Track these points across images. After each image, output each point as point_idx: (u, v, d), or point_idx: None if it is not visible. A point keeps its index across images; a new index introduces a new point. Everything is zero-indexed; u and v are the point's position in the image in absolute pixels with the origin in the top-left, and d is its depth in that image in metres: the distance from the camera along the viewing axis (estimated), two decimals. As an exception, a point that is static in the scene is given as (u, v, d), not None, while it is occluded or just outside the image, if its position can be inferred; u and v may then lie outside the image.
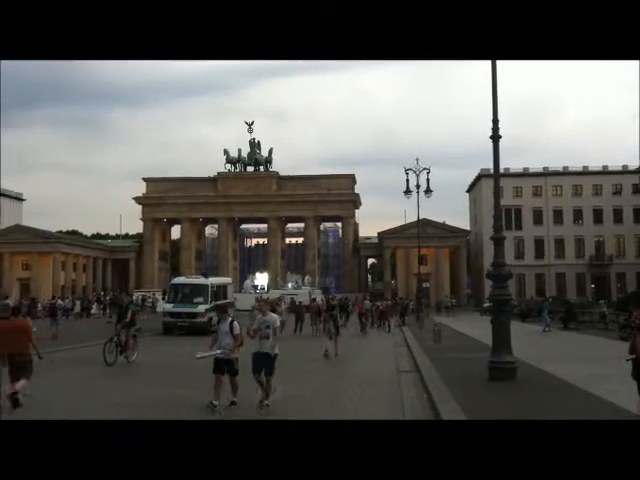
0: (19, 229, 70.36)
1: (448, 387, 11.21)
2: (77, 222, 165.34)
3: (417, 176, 35.07)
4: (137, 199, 77.81)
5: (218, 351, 9.93)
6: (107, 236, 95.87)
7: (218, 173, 78.49)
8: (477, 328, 27.68)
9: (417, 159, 35.29)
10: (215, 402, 9.71)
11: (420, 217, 40.20)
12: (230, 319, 10.17)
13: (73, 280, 73.22)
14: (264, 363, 10.06)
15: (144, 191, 78.26)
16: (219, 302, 30.41)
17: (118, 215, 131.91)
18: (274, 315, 10.52)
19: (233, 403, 10.07)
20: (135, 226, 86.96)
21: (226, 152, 78.34)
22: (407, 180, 34.69)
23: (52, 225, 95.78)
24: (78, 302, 48.26)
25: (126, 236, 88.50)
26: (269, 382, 10.08)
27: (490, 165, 13.69)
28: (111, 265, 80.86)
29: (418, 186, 35.14)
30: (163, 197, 76.55)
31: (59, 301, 41.66)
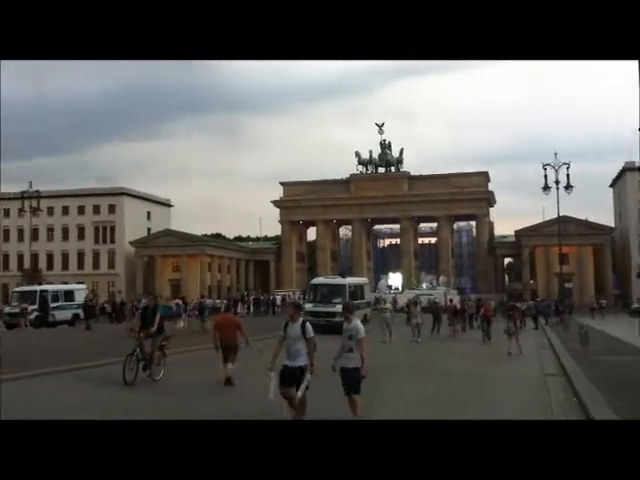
0: (169, 233, 75.58)
1: (599, 391, 11.07)
2: (220, 225, 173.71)
3: (556, 171, 33.96)
4: (275, 202, 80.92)
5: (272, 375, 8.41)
6: (248, 238, 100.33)
7: (350, 175, 79.79)
8: (626, 330, 26.46)
9: (555, 153, 34.15)
10: None
11: (560, 214, 38.81)
12: (301, 320, 8.64)
13: (219, 281, 77.60)
14: (349, 380, 8.42)
15: (282, 194, 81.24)
16: (357, 301, 31.37)
17: (258, 218, 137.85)
18: (358, 323, 8.77)
19: None
20: (274, 228, 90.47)
21: (357, 154, 79.54)
22: (545, 176, 33.67)
23: (198, 229, 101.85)
24: (224, 302, 51.16)
25: (265, 238, 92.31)
26: (353, 401, 8.39)
27: (635, 158, 13.26)
28: (253, 266, 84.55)
29: (557, 182, 33.98)
30: (299, 200, 79.02)
31: (207, 300, 44.47)
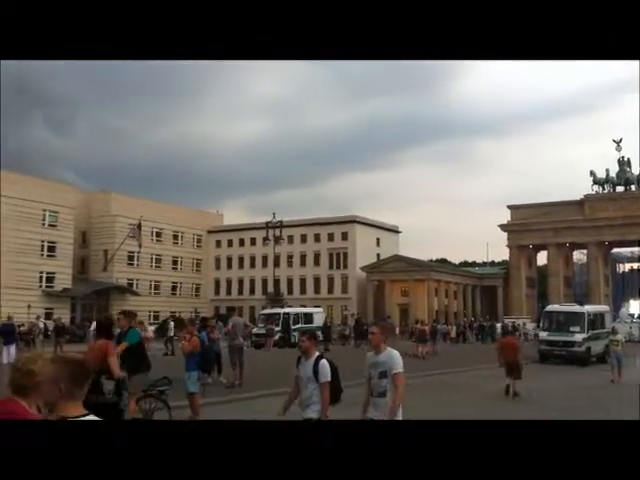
0: (397, 259, 77.77)
1: None
2: (445, 251, 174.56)
3: None
4: (502, 226, 79.38)
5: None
6: (474, 263, 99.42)
7: (585, 196, 75.61)
8: None
9: None
10: None
11: None
12: (316, 355, 6.47)
13: (445, 306, 77.92)
14: None
15: (509, 218, 79.51)
16: (597, 331, 29.85)
17: (484, 243, 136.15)
18: (393, 352, 6.31)
19: None
20: (501, 253, 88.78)
21: (592, 173, 75.26)
22: None
23: (424, 254, 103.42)
24: (454, 327, 51.62)
25: (492, 263, 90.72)
26: None
27: None
28: (479, 292, 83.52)
29: None
30: (527, 223, 76.68)
31: (438, 326, 45.31)
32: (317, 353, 6.49)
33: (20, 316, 38.16)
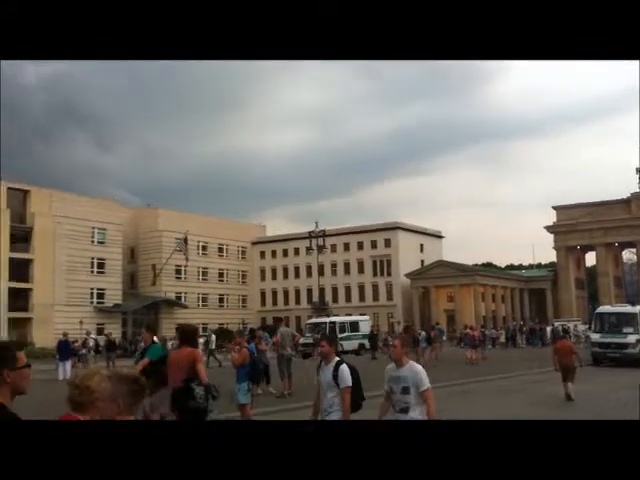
0: (441, 264, 77.25)
1: None
2: (491, 254, 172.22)
3: None
4: (548, 228, 78.12)
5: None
6: (520, 266, 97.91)
7: (631, 194, 73.88)
8: None
9: None
10: None
11: None
12: (336, 360, 6.20)
13: (493, 310, 76.93)
14: None
15: (554, 219, 78.21)
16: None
17: (530, 245, 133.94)
18: (417, 367, 6.05)
19: None
20: (547, 255, 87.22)
21: (639, 171, 73.64)
22: None
23: (468, 258, 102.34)
24: (503, 332, 50.89)
25: (539, 265, 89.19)
26: None
27: None
28: (527, 295, 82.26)
29: None
30: (574, 224, 75.30)
31: (486, 331, 44.85)
32: (337, 358, 6.21)
33: (73, 332, 39.20)
